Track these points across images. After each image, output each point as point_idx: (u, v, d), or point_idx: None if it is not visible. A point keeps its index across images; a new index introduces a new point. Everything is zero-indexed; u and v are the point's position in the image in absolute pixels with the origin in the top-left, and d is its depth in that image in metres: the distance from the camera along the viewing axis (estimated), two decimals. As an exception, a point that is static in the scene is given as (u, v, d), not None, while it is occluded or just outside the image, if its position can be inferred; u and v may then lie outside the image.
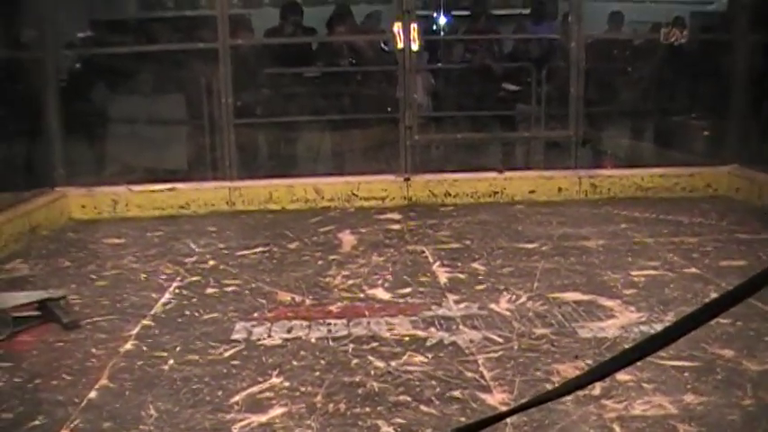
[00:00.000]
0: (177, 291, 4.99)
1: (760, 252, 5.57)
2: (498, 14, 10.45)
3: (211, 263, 5.62)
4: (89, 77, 8.49)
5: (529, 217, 6.85)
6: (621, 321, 4.30)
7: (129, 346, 4.09)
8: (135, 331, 4.29)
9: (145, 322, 4.42)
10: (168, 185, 7.41)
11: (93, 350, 4.04)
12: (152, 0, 9.65)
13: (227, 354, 3.94)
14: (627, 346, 3.86)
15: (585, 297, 4.69)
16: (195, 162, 8.15)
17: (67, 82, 8.22)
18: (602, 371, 1.37)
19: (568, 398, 3.27)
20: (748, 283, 1.10)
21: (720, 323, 4.13)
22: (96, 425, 3.22)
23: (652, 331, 4.09)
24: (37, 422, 3.27)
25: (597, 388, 3.40)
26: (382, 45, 8.40)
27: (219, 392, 3.50)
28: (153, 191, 7.39)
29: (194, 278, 5.26)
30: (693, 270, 5.22)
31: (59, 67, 7.84)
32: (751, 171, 7.50)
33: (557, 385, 3.46)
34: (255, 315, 4.49)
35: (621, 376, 3.52)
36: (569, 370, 3.65)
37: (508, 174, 7.66)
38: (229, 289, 5.00)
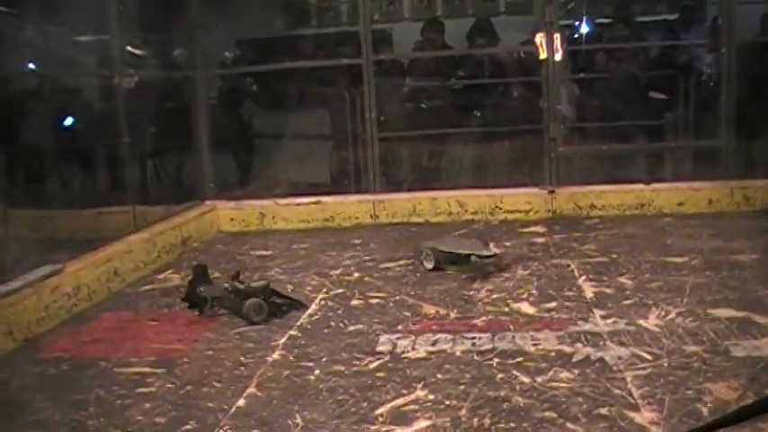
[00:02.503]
0: (323, 302, 5.07)
1: None
2: (643, 21, 10.20)
3: (356, 275, 5.68)
4: (237, 95, 8.77)
5: (677, 230, 6.65)
6: (778, 340, 4.11)
7: (276, 355, 4.17)
8: (282, 341, 4.38)
9: (292, 333, 4.51)
10: (313, 199, 7.55)
11: (242, 359, 4.14)
12: (297, 18, 9.86)
13: (372, 365, 3.97)
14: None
15: (739, 314, 4.50)
16: (339, 175, 8.29)
17: (217, 99, 8.52)
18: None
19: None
20: None
21: None
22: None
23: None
24: (188, 426, 3.37)
25: (754, 408, 3.26)
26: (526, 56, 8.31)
27: (364, 404, 3.52)
28: (298, 204, 7.54)
29: (339, 290, 5.33)
30: None
31: (209, 85, 8.12)
32: None
33: (709, 405, 3.35)
34: (400, 327, 4.51)
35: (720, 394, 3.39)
36: (722, 390, 3.51)
37: (655, 185, 7.47)
38: (374, 301, 5.04)
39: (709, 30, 8.84)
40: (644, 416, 3.29)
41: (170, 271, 6.08)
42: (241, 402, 3.60)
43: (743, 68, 7.58)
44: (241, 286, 4.88)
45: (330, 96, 8.38)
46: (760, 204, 7.31)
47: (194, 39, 7.72)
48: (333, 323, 4.66)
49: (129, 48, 6.91)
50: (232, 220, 7.57)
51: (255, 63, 8.72)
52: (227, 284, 4.96)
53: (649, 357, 3.91)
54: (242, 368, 4.03)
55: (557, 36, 7.42)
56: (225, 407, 3.55)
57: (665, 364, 3.82)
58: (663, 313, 4.55)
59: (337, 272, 5.79)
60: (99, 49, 6.81)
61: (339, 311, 4.87)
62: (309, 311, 4.88)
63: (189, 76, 7.76)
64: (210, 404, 3.59)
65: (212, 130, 7.81)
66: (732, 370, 3.73)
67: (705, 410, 3.26)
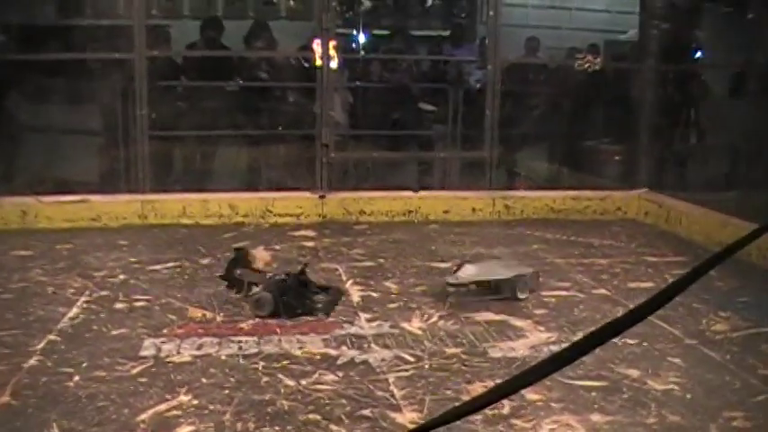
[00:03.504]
0: (85, 305, 4.88)
1: (666, 274, 5.70)
2: (417, 35, 10.54)
3: (121, 277, 5.50)
4: (0, 84, 8.28)
5: (443, 236, 6.90)
6: (531, 341, 4.36)
7: (33, 361, 3.98)
8: (40, 346, 4.17)
9: (51, 337, 4.31)
10: (79, 197, 7.25)
11: (-4, 365, 3.92)
12: (70, 6, 9.45)
13: (134, 371, 3.87)
14: (536, 366, 3.93)
15: (497, 317, 4.74)
16: (108, 174, 8.00)
17: (-24, 87, 8.00)
18: (509, 388, 1.37)
19: (477, 417, 3.30)
20: (650, 302, 1.13)
21: (627, 344, 4.23)
22: (-4, 444, 3.13)
23: (561, 351, 4.15)
24: (-70, 442, 3.16)
25: (506, 407, 3.43)
26: (303, 62, 8.38)
27: (126, 410, 3.43)
28: (63, 202, 7.22)
29: (103, 293, 5.14)
30: (603, 291, 5.33)
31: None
32: (660, 195, 7.70)
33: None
34: (165, 331, 4.42)
35: (530, 395, 3.57)
36: (479, 390, 3.67)
37: (423, 193, 7.72)
38: (139, 304, 4.90)
39: (478, 48, 9.26)
40: (405, 416, 3.40)
41: None
42: (-7, 412, 3.41)
43: (508, 86, 7.98)
44: (278, 277, 4.90)
45: (100, 91, 8.08)
46: (519, 214, 7.71)
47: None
48: (95, 327, 4.50)
49: None
50: (-10, 217, 7.14)
51: (22, 51, 8.28)
52: (270, 274, 4.99)
53: (411, 359, 4.04)
54: (-5, 375, 3.81)
55: (333, 44, 7.52)
56: (-26, 417, 3.36)
57: (427, 366, 3.97)
58: (426, 316, 4.71)
59: (102, 274, 5.59)
60: None
61: (102, 315, 4.70)
62: (71, 315, 4.68)
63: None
64: (-42, 414, 3.39)
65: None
66: (489, 370, 3.93)
67: (462, 410, 3.40)
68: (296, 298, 4.75)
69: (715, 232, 6.50)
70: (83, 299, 5.00)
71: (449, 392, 3.66)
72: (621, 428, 3.31)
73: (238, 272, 4.95)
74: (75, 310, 4.77)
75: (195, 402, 3.51)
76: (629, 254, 6.43)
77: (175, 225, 7.17)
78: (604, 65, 8.62)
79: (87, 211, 7.21)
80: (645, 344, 4.29)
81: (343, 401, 3.53)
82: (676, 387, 3.80)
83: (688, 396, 3.70)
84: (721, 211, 6.71)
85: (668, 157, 8.67)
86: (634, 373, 3.93)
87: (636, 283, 5.54)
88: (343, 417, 3.38)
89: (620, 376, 3.89)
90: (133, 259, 5.99)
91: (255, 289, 4.82)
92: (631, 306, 4.69)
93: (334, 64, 7.59)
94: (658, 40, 8.13)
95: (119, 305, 4.89)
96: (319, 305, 4.79)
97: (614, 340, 4.31)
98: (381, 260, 6.07)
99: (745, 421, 3.45)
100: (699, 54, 8.95)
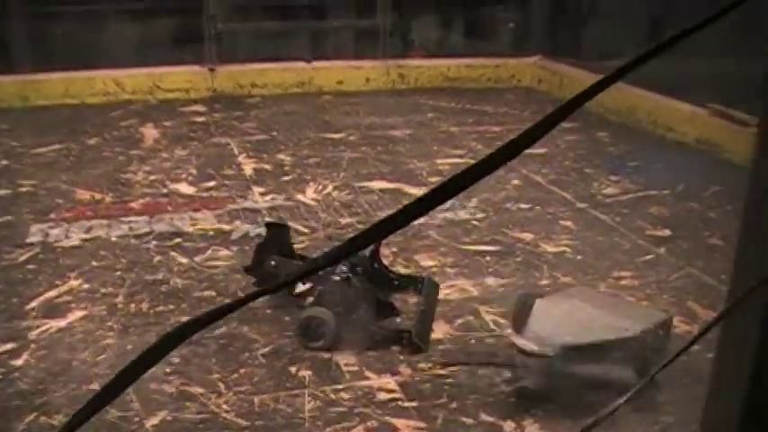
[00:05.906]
0: (-34, 194, 4.70)
1: (559, 140, 5.76)
2: None
3: (4, 162, 5.29)
4: None
5: (336, 107, 6.82)
6: (425, 208, 4.36)
7: None
8: None
9: (-70, 229, 4.15)
10: (-46, 80, 6.89)
11: None
12: None
13: (21, 258, 3.77)
14: (431, 233, 3.97)
15: (391, 185, 4.76)
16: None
17: None
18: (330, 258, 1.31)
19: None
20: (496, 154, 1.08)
21: (520, 208, 4.31)
22: None
23: (456, 218, 4.20)
24: None
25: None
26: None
27: (15, 299, 3.36)
28: (-63, 86, 6.86)
29: (-15, 179, 4.95)
30: (496, 157, 5.36)
31: None
32: (553, 63, 7.71)
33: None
34: (52, 216, 4.29)
35: (425, 261, 3.62)
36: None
37: (316, 64, 7.57)
38: (24, 189, 4.73)
39: None
40: (300, 287, 3.38)
41: None
42: None
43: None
44: (338, 271, 3.16)
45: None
46: (414, 83, 7.65)
47: None
48: (-22, 215, 4.34)
49: None
50: None
51: None
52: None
53: (306, 230, 4.04)
54: None
55: None
56: None
57: (321, 237, 3.96)
58: (320, 188, 4.69)
59: (-18, 160, 5.37)
60: None
61: (-15, 203, 4.54)
62: (-50, 203, 4.50)
63: None
64: None
65: None
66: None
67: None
68: (367, 315, 3.10)
69: (607, 98, 6.57)
70: (-37, 187, 4.81)
71: (345, 262, 3.65)
72: (515, 291, 3.36)
73: (273, 262, 3.28)
74: (-46, 200, 4.59)
75: (86, 286, 3.44)
76: (522, 121, 6.46)
77: (59, 106, 6.88)
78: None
79: (-37, 95, 6.86)
80: (538, 208, 4.37)
81: (238, 276, 3.51)
82: (568, 249, 3.88)
83: (579, 257, 3.79)
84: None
85: (562, 23, 8.66)
86: (527, 236, 4.00)
87: (529, 150, 5.57)
88: (239, 292, 3.36)
89: (513, 240, 3.95)
90: (16, 143, 5.75)
91: (301, 287, 3.20)
92: (524, 171, 4.79)
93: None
94: None
95: (2, 192, 4.72)
96: (405, 331, 3.06)
97: (508, 205, 4.40)
98: (274, 133, 5.97)
99: (633, 280, 3.56)
100: None
